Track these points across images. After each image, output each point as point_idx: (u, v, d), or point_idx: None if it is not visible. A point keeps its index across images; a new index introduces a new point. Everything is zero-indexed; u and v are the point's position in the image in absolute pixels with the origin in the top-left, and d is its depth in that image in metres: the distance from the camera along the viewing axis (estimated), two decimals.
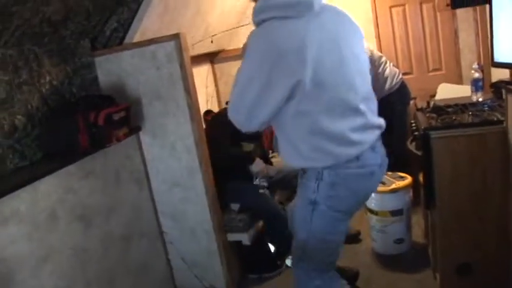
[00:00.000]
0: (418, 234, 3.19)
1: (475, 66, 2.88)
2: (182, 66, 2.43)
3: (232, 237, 2.74)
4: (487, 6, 2.13)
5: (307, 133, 1.72)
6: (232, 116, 1.75)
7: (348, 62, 1.71)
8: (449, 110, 2.61)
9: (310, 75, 1.59)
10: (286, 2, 1.62)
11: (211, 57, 4.28)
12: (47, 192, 2.02)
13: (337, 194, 1.77)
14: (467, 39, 3.90)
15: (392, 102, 3.54)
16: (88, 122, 2.14)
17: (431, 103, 2.85)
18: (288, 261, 2.97)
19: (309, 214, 1.82)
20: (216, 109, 4.17)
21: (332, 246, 1.90)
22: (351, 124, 1.72)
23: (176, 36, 2.40)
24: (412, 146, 2.62)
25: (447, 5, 2.65)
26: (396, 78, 3.58)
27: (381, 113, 1.90)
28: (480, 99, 2.75)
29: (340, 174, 1.74)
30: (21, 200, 1.88)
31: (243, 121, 1.73)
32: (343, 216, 1.85)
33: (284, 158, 1.89)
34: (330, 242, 1.87)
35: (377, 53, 3.66)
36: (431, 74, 4.11)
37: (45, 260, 1.97)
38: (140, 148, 2.67)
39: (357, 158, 1.74)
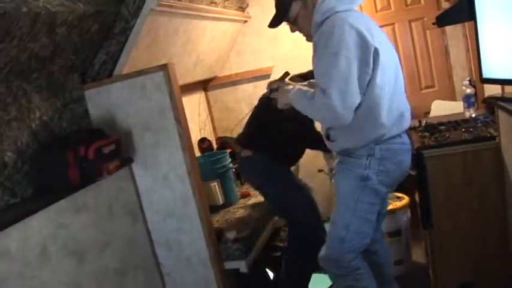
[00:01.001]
0: (418, 253, 3.15)
1: (466, 82, 2.88)
2: (171, 96, 2.43)
3: (230, 265, 2.69)
4: None
5: (376, 108, 1.89)
6: (336, 103, 1.78)
7: (391, 48, 2.00)
8: (442, 127, 2.60)
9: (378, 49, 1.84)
10: None
11: (204, 85, 4.28)
12: (38, 228, 1.99)
13: (386, 168, 1.97)
14: (458, 55, 3.90)
15: None
16: (78, 157, 2.13)
17: (423, 121, 2.85)
18: None
19: (359, 191, 1.99)
20: (211, 137, 4.15)
21: (370, 228, 2.06)
22: (402, 100, 2.01)
23: (164, 67, 2.41)
24: None
25: (433, 24, 2.67)
26: None
27: None
28: (473, 115, 2.75)
29: (389, 149, 1.96)
30: (12, 237, 1.85)
31: (351, 105, 1.82)
32: (387, 190, 2.07)
33: (343, 141, 2.02)
34: (369, 222, 2.05)
35: None
36: (424, 91, 4.10)
37: None
38: (133, 180, 2.65)
39: (399, 135, 1.98)
